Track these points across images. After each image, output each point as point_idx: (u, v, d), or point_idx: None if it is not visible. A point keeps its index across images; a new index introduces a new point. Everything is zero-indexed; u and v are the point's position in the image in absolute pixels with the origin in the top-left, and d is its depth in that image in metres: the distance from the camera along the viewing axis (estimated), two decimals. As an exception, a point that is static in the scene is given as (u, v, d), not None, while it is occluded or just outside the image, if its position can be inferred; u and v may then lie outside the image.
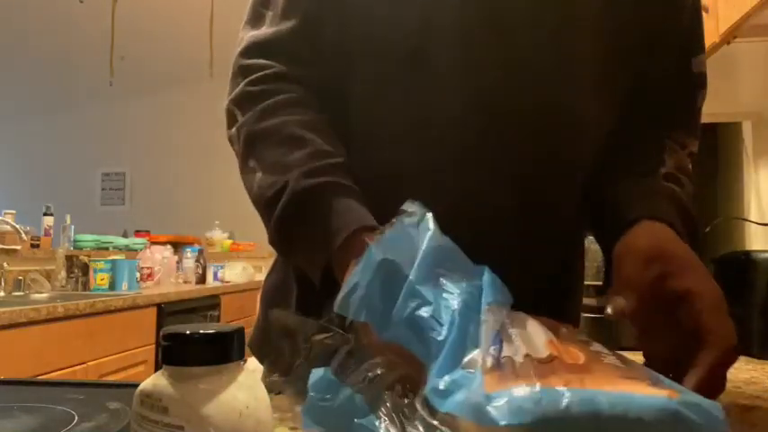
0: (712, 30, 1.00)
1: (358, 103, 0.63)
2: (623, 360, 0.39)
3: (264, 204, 0.58)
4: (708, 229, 1.24)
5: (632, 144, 0.67)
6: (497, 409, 0.31)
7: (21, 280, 2.73)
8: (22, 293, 2.69)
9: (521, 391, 0.32)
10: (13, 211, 2.89)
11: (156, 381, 0.30)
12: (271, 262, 0.78)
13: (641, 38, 0.64)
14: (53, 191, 5.66)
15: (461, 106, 0.60)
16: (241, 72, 0.64)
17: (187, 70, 5.14)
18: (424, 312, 0.40)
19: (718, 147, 1.73)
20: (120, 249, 3.52)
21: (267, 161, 0.59)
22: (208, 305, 3.33)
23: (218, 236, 4.73)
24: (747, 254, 1.04)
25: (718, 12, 0.97)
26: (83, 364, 2.25)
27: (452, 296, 0.41)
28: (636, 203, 0.59)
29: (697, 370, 0.44)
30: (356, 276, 0.44)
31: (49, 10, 4.46)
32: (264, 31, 0.64)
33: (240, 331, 0.32)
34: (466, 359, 0.37)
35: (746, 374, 0.83)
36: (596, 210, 0.66)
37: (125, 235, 4.08)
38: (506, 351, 0.37)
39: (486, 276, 0.42)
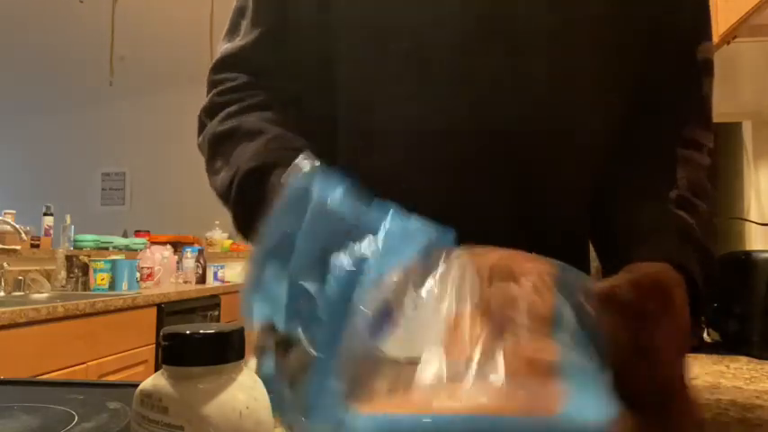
0: (712, 30, 1.00)
1: (348, 109, 0.63)
2: (539, 337, 0.33)
3: (224, 196, 0.58)
4: (708, 229, 1.23)
5: (640, 154, 0.64)
6: None
7: (21, 280, 2.73)
8: (22, 293, 2.69)
9: (368, 419, 0.30)
10: (13, 211, 2.89)
11: (156, 381, 0.30)
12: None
13: (642, 33, 0.63)
14: (53, 191, 5.66)
15: (459, 111, 0.59)
16: (211, 85, 0.65)
17: (187, 70, 5.13)
18: (303, 308, 0.36)
19: (719, 147, 1.74)
20: (120, 249, 3.52)
21: (229, 158, 0.58)
22: (208, 305, 3.33)
23: (218, 236, 4.73)
24: (747, 254, 1.04)
25: (718, 12, 0.97)
26: (83, 364, 2.25)
27: (333, 280, 0.36)
28: (644, 244, 0.54)
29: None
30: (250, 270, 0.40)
31: (49, 10, 4.46)
32: (235, 44, 0.65)
33: (240, 331, 0.32)
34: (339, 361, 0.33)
35: (746, 374, 0.83)
36: (603, 241, 0.63)
37: (125, 235, 4.08)
38: (379, 344, 0.33)
39: (381, 233, 0.37)
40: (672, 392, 0.38)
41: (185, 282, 3.71)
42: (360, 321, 0.34)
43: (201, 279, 3.72)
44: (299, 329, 0.36)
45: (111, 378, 2.37)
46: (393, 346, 0.34)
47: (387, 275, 0.36)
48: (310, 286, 0.37)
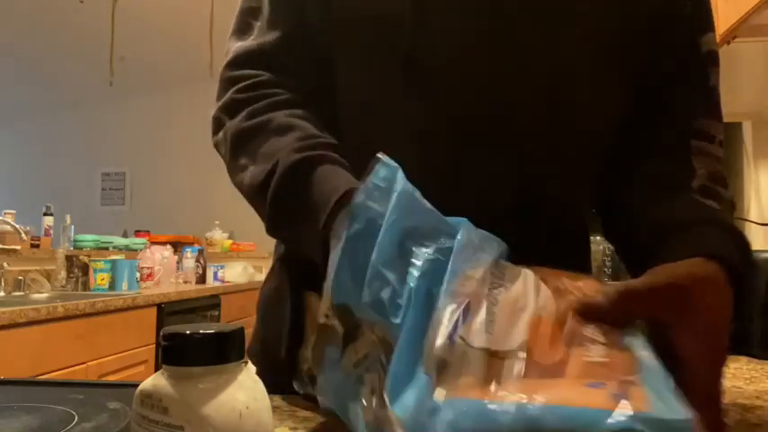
0: (712, 30, 1.00)
1: (351, 108, 0.63)
2: (611, 345, 0.35)
3: (258, 190, 0.56)
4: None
5: (655, 148, 0.63)
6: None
7: (21, 280, 2.73)
8: (22, 293, 2.69)
9: (462, 405, 0.30)
10: (13, 211, 2.89)
11: (156, 381, 0.30)
12: (270, 262, 0.77)
13: (643, 24, 0.62)
14: (53, 191, 5.66)
15: (459, 108, 0.59)
16: (229, 82, 0.63)
17: (187, 70, 5.14)
18: (384, 295, 0.36)
19: (718, 147, 1.74)
20: (120, 249, 3.52)
21: (257, 154, 0.57)
22: (208, 305, 3.34)
23: (218, 236, 4.73)
24: (747, 254, 1.04)
25: (719, 12, 0.97)
26: (83, 364, 2.25)
27: (415, 269, 0.37)
28: (679, 236, 0.53)
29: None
30: (335, 255, 0.40)
31: (49, 10, 4.46)
32: (251, 42, 0.64)
33: (240, 331, 0.32)
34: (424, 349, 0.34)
35: (746, 374, 0.83)
36: (626, 237, 0.62)
37: (125, 235, 4.09)
38: (465, 335, 0.34)
39: (461, 235, 0.38)
40: (698, 404, 0.35)
41: (185, 282, 3.71)
42: (445, 311, 0.35)
43: (201, 279, 3.72)
44: (379, 316, 0.37)
45: (111, 378, 2.37)
46: (479, 338, 0.34)
47: (469, 271, 0.37)
48: (392, 275, 0.37)
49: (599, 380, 0.32)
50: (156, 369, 0.32)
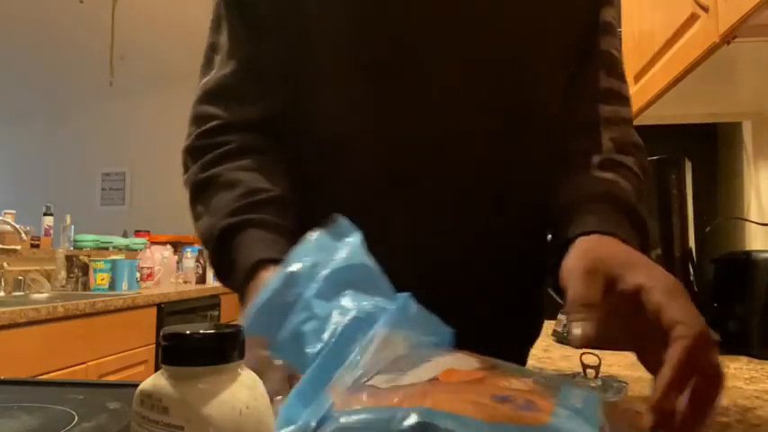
0: (712, 30, 1.00)
1: (323, 117, 0.66)
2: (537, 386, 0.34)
3: (205, 243, 0.64)
4: (708, 229, 1.24)
5: (569, 127, 0.67)
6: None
7: (21, 280, 2.73)
8: (22, 293, 2.69)
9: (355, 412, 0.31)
10: (13, 211, 2.89)
11: (156, 381, 0.30)
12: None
13: (577, 21, 0.67)
14: (53, 191, 5.66)
15: (425, 116, 0.62)
16: (193, 122, 0.69)
17: (187, 70, 5.13)
18: (308, 327, 0.38)
19: (719, 147, 1.73)
20: (120, 249, 3.52)
21: (207, 206, 0.64)
22: (208, 305, 3.33)
23: (218, 236, 4.72)
24: (747, 254, 1.04)
25: (719, 12, 0.97)
26: (83, 364, 2.25)
27: (346, 312, 0.38)
28: (569, 219, 0.58)
29: (670, 362, 0.40)
30: (263, 292, 0.42)
31: (49, 10, 4.46)
32: (212, 76, 0.69)
33: (240, 331, 0.32)
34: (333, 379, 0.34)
35: (746, 374, 0.83)
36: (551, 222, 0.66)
37: (125, 235, 4.08)
38: (378, 380, 0.34)
39: (402, 302, 0.39)
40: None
41: (185, 282, 3.71)
42: (361, 359, 0.36)
43: (201, 279, 3.72)
44: (294, 348, 0.38)
45: (111, 378, 2.37)
46: (379, 381, 0.34)
47: (395, 337, 0.38)
48: (320, 310, 0.39)
49: (506, 397, 0.31)
50: (156, 369, 0.32)
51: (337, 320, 0.38)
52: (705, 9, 1.03)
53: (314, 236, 0.45)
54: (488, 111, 0.63)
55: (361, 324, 0.38)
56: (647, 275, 0.45)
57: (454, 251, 0.65)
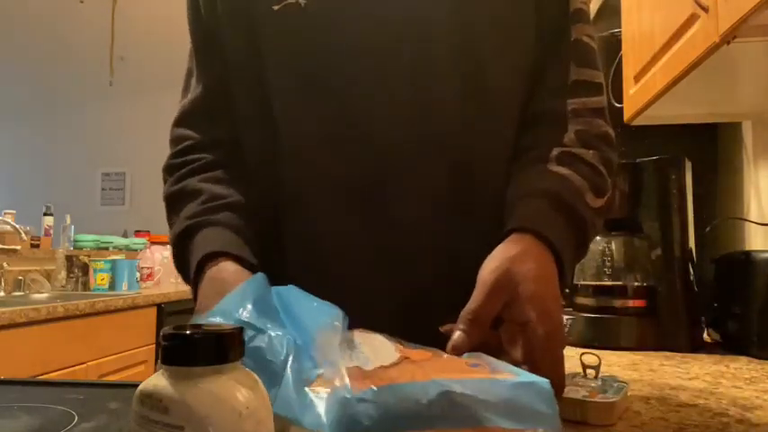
0: (712, 30, 1.00)
1: (280, 120, 0.67)
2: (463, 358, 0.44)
3: (172, 252, 0.68)
4: (708, 229, 1.24)
5: (534, 119, 0.67)
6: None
7: (21, 280, 2.73)
8: (22, 293, 2.69)
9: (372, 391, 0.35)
10: (13, 211, 2.89)
11: (156, 381, 0.30)
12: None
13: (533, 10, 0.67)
14: (53, 191, 5.66)
15: (362, 127, 0.63)
16: (171, 143, 0.75)
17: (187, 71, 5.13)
18: (261, 342, 0.41)
19: (719, 147, 1.73)
20: (120, 249, 3.52)
21: (178, 215, 0.68)
22: (208, 305, 3.33)
23: (218, 236, 4.72)
24: (747, 254, 1.04)
25: (719, 12, 0.97)
26: (83, 364, 2.25)
27: (283, 328, 0.43)
28: (509, 213, 0.60)
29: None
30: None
31: (49, 10, 4.46)
32: (186, 100, 0.75)
33: (240, 331, 0.32)
34: (314, 377, 0.38)
35: (746, 374, 0.83)
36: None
37: (125, 235, 4.08)
38: (354, 363, 0.39)
39: (310, 308, 0.45)
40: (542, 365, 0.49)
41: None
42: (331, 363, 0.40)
43: (201, 279, 3.72)
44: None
45: (111, 378, 2.37)
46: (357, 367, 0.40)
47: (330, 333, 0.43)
48: (259, 323, 0.43)
49: (472, 366, 0.41)
50: (156, 369, 0.32)
51: (277, 334, 0.42)
52: (705, 9, 1.02)
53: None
54: (431, 119, 0.63)
55: (300, 336, 0.42)
56: (535, 313, 0.51)
57: (422, 265, 0.65)
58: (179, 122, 0.75)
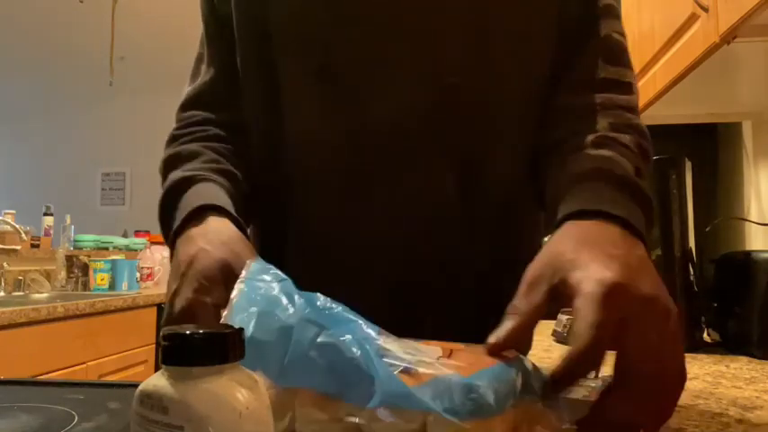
0: (712, 30, 1.00)
1: (286, 115, 0.67)
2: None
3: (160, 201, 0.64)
4: (708, 229, 1.24)
5: (563, 113, 0.65)
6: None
7: (21, 280, 2.73)
8: (22, 293, 2.69)
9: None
10: (13, 211, 2.89)
11: (156, 381, 0.30)
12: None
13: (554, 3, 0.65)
14: (53, 191, 5.66)
15: (366, 115, 0.63)
16: (176, 122, 0.73)
17: (187, 70, 5.13)
18: (327, 337, 0.39)
19: (719, 147, 1.73)
20: (120, 249, 3.52)
21: (170, 174, 0.65)
22: (208, 305, 3.33)
23: (218, 236, 4.71)
24: (747, 254, 1.04)
25: (719, 12, 0.97)
26: (83, 364, 2.25)
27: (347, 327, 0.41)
28: (558, 202, 0.54)
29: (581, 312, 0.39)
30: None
31: (49, 10, 4.46)
32: (195, 85, 0.74)
33: (240, 331, 0.32)
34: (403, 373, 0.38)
35: (746, 374, 0.83)
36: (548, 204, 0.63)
37: (125, 235, 4.08)
38: (416, 359, 0.39)
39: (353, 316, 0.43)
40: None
41: (185, 282, 3.70)
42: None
43: (201, 279, 3.71)
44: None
45: (111, 378, 2.37)
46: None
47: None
48: (323, 320, 0.41)
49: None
50: (156, 369, 0.32)
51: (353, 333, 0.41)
52: (705, 9, 1.03)
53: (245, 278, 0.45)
54: (433, 109, 0.63)
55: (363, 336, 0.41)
56: (583, 274, 0.41)
57: (426, 252, 0.65)
58: (186, 106, 0.74)
